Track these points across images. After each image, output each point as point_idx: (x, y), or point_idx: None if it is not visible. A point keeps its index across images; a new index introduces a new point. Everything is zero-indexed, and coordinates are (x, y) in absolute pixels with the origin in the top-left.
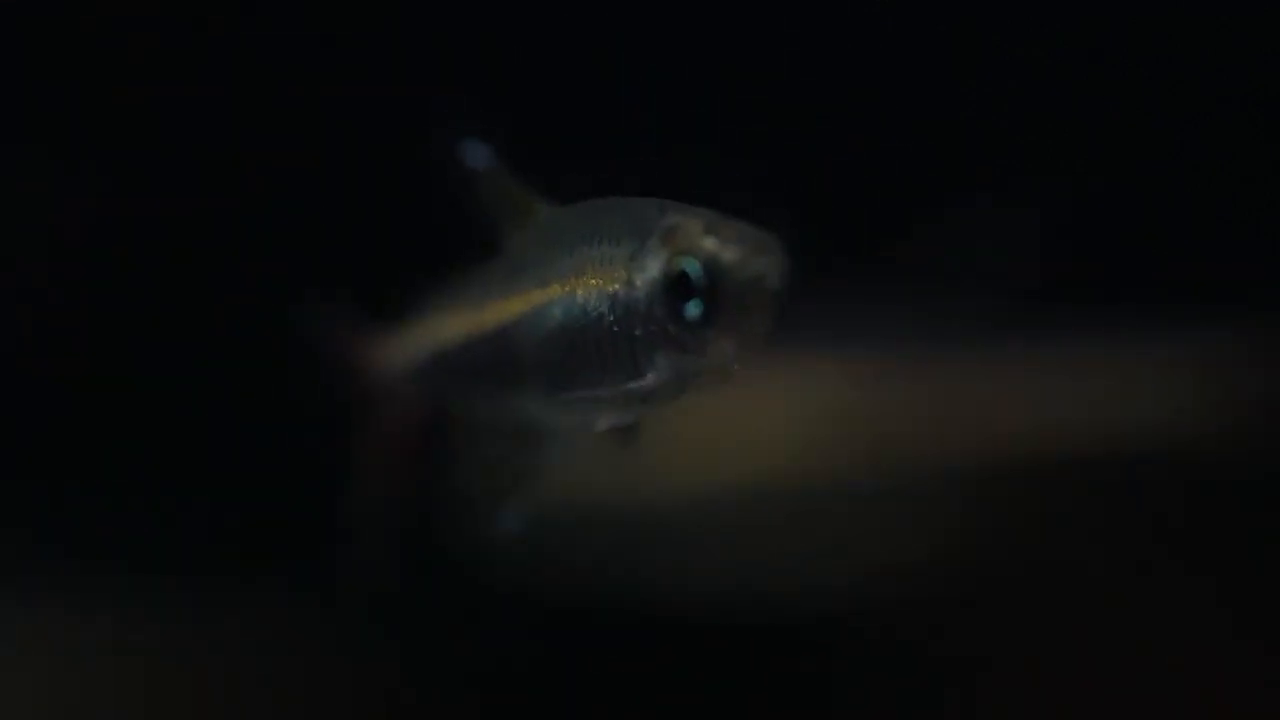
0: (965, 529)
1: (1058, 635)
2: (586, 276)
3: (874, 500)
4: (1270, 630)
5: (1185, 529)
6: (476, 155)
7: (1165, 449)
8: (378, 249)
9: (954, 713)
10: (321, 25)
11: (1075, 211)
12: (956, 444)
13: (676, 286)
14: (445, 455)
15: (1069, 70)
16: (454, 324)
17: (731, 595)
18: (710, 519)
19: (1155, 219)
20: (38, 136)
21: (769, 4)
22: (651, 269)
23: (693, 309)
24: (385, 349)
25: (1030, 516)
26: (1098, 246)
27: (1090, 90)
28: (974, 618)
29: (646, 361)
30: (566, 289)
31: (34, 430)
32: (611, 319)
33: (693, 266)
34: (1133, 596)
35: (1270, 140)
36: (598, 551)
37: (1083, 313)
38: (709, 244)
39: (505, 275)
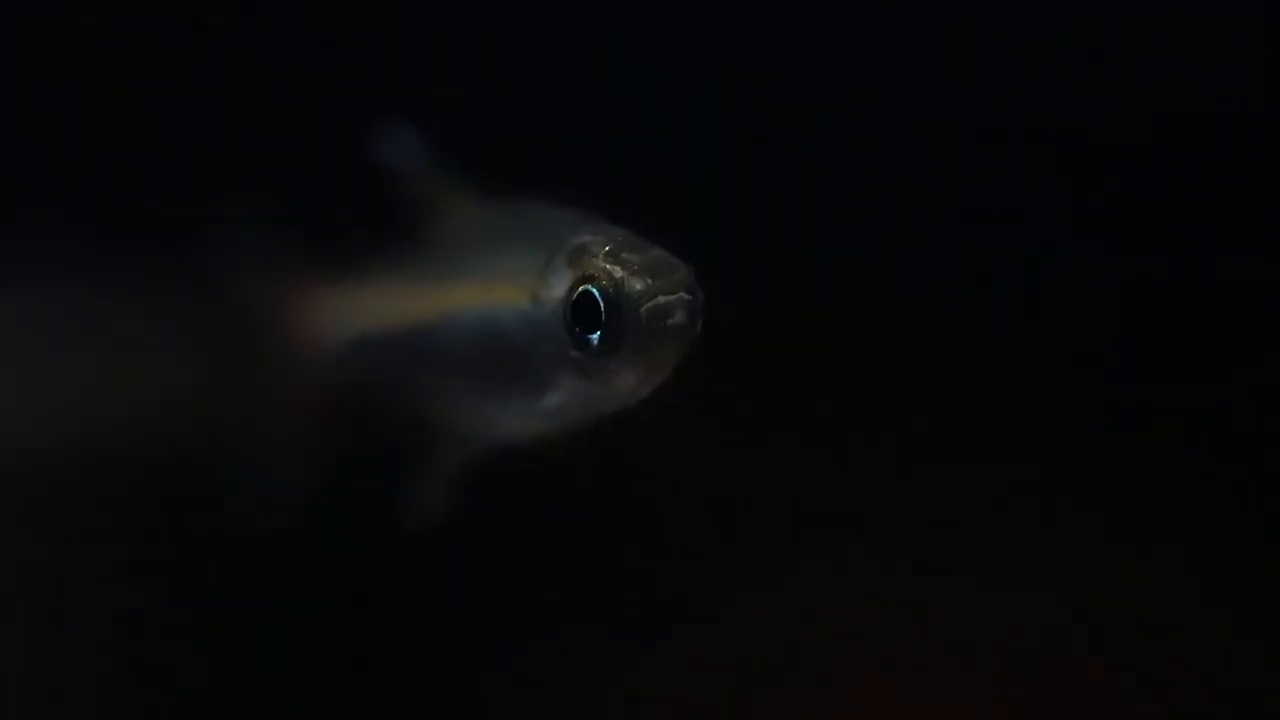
0: None
1: None
2: (497, 286)
3: None
4: None
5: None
6: (402, 144)
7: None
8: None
9: None
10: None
11: None
12: None
13: (581, 312)
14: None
15: None
16: (381, 309)
17: None
18: None
19: None
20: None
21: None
22: (557, 289)
23: (594, 338)
24: (320, 308)
25: None
26: None
27: None
28: None
29: (549, 381)
30: (478, 297)
31: None
32: (517, 335)
33: (597, 294)
34: None
35: None
36: None
37: None
38: (615, 271)
39: (430, 270)
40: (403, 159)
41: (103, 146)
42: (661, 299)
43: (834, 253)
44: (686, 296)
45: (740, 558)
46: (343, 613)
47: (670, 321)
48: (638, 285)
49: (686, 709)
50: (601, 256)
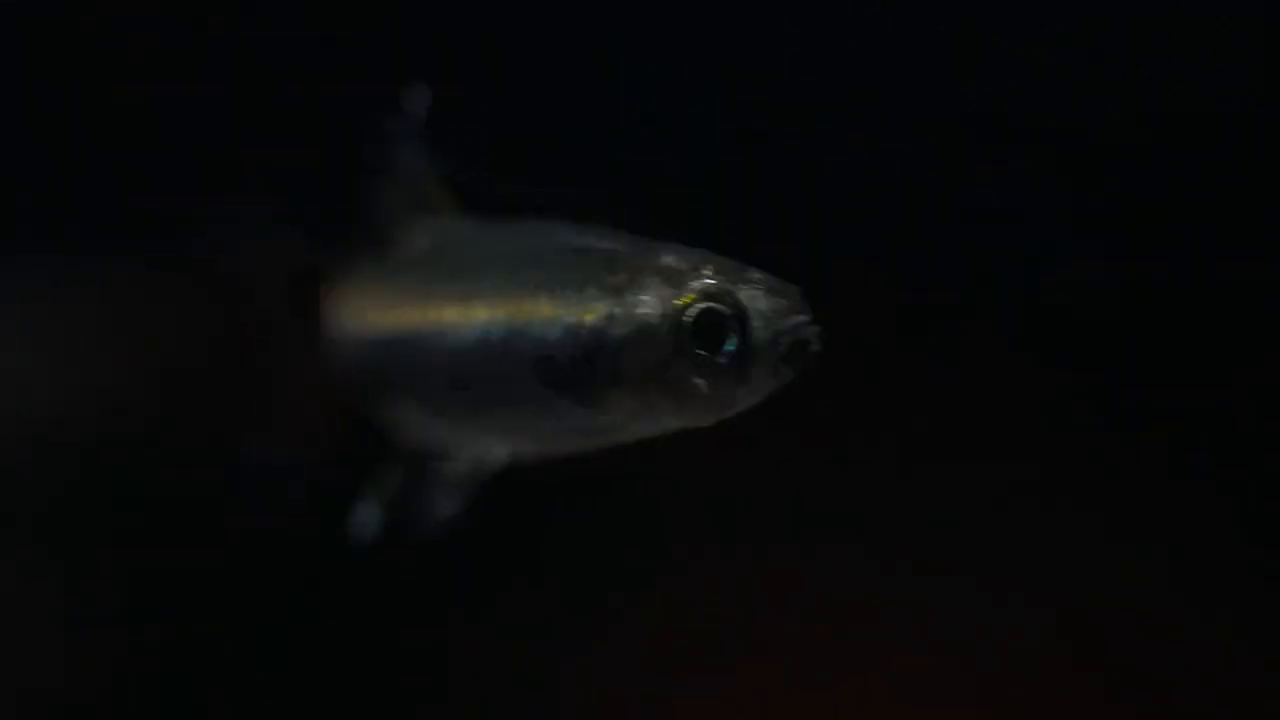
0: None
1: None
2: (543, 304)
3: None
4: None
5: None
6: (407, 143)
7: None
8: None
9: None
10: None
11: None
12: None
13: (703, 330)
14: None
15: None
16: (402, 315)
17: None
18: None
19: None
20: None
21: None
22: (651, 307)
23: (721, 355)
24: (334, 309)
25: None
26: None
27: None
28: None
29: (613, 395)
30: (517, 310)
31: None
32: (578, 350)
33: (723, 312)
34: None
35: None
36: None
37: None
38: (741, 291)
39: (451, 278)
40: (407, 158)
41: (103, 146)
42: (792, 321)
43: (834, 253)
44: (812, 320)
45: (740, 558)
46: (340, 612)
47: (798, 342)
48: (768, 306)
49: (683, 708)
50: (715, 276)
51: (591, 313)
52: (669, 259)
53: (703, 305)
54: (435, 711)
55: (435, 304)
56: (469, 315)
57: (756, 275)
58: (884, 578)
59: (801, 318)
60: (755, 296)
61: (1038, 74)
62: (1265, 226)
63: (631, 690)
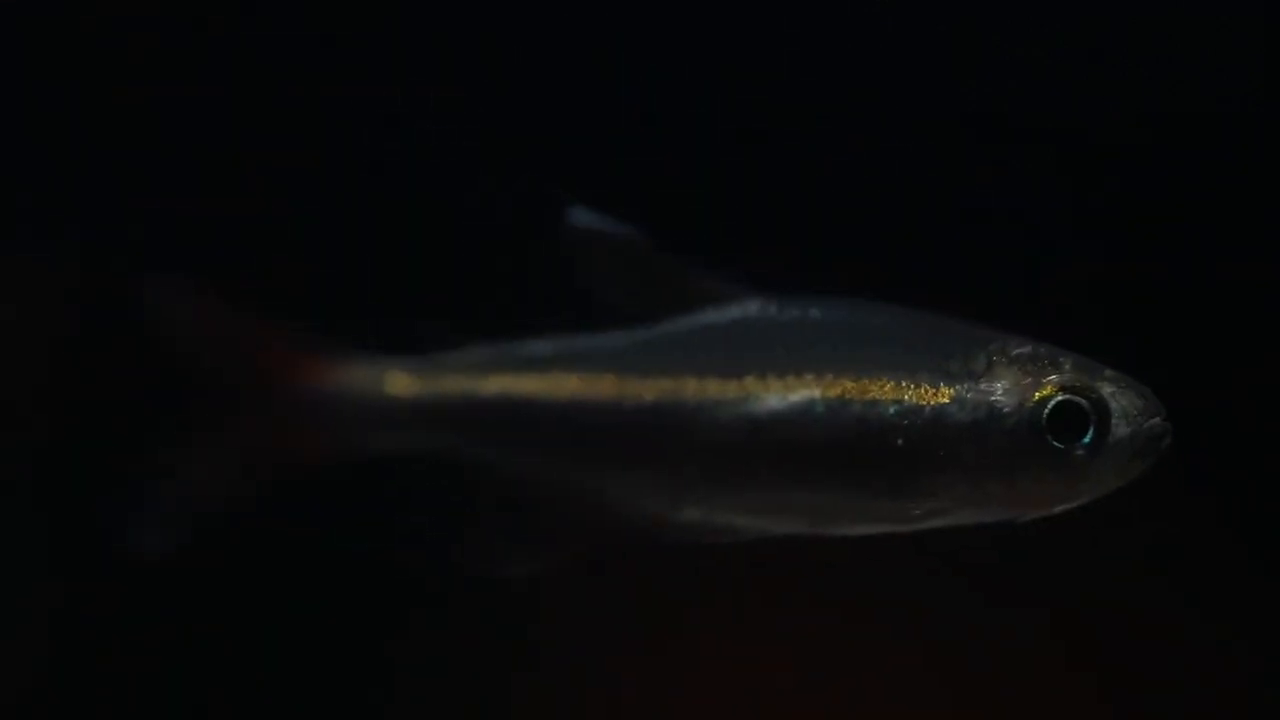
0: None
1: None
2: (880, 381)
3: None
4: None
5: None
6: (588, 221)
7: None
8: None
9: None
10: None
11: None
12: None
13: (1062, 419)
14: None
15: None
16: (584, 387)
17: None
18: None
19: None
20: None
21: None
22: (1005, 394)
23: (1079, 447)
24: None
25: None
26: None
27: None
28: None
29: (943, 481)
30: (855, 389)
31: None
32: (915, 430)
33: (1086, 406)
34: None
35: None
36: None
37: None
38: (1105, 388)
39: (696, 357)
40: (593, 232)
41: (102, 147)
42: (1151, 419)
43: (834, 252)
44: (1168, 422)
45: (739, 557)
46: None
47: (1155, 442)
48: (1128, 403)
49: (678, 707)
50: (1074, 369)
51: (937, 394)
52: (1020, 349)
53: (1064, 397)
54: None
55: (723, 377)
56: (786, 390)
57: (1111, 372)
58: (883, 578)
59: (1159, 418)
60: (1115, 393)
61: (1038, 74)
62: (1265, 226)
63: (632, 690)
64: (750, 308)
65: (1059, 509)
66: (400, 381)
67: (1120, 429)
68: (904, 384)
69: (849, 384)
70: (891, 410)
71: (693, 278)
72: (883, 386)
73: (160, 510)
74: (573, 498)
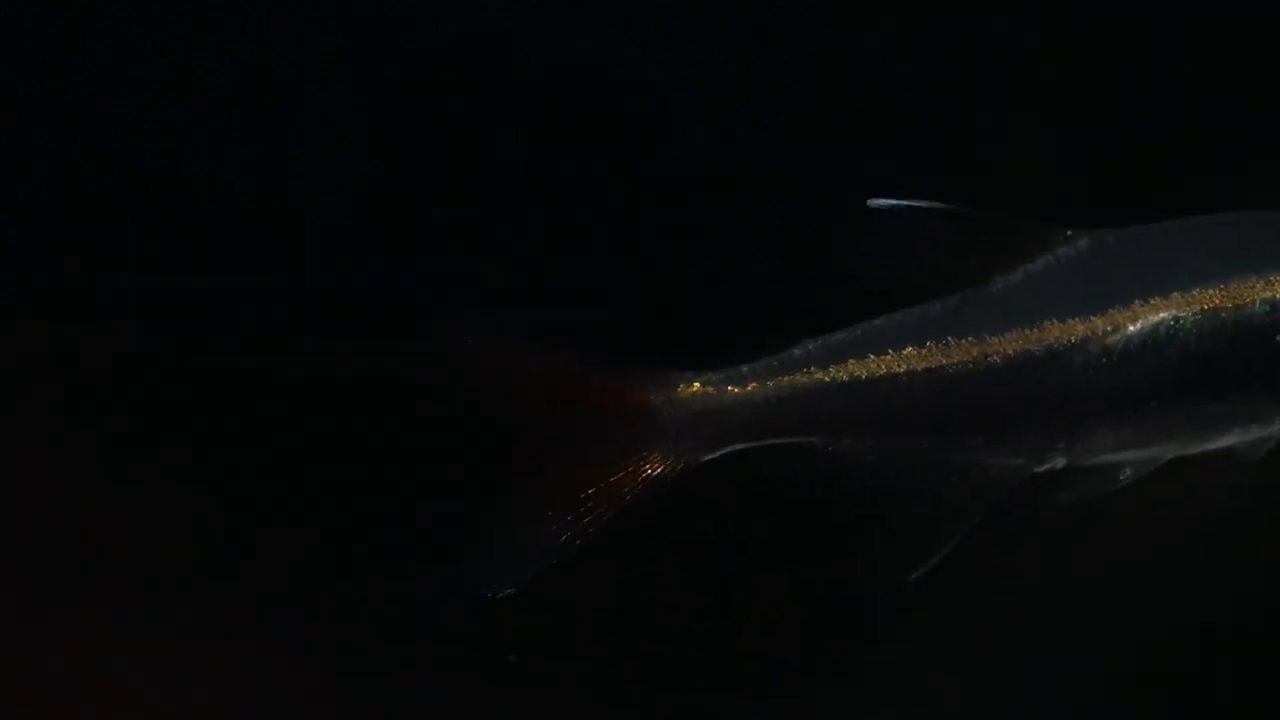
0: None
1: None
2: (1238, 286)
3: None
4: None
5: None
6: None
7: None
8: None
9: None
10: None
11: None
12: None
13: None
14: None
15: None
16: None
17: None
18: None
19: None
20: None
21: None
22: None
23: None
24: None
25: None
26: None
27: None
28: None
29: None
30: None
31: None
32: None
33: None
34: None
35: None
36: None
37: None
38: None
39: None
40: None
41: (103, 146)
42: None
43: (834, 252)
44: None
45: (738, 557)
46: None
47: None
48: None
49: (671, 706)
50: None
51: None
52: None
53: None
54: None
55: (1086, 314)
56: (1154, 311)
57: None
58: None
59: None
60: None
61: (1037, 74)
62: None
63: (627, 688)
64: (1080, 244)
65: None
66: (742, 388)
67: None
68: (1273, 280)
69: (1214, 293)
70: (1263, 309)
71: (1013, 229)
72: (1253, 287)
73: (514, 555)
74: (939, 475)
